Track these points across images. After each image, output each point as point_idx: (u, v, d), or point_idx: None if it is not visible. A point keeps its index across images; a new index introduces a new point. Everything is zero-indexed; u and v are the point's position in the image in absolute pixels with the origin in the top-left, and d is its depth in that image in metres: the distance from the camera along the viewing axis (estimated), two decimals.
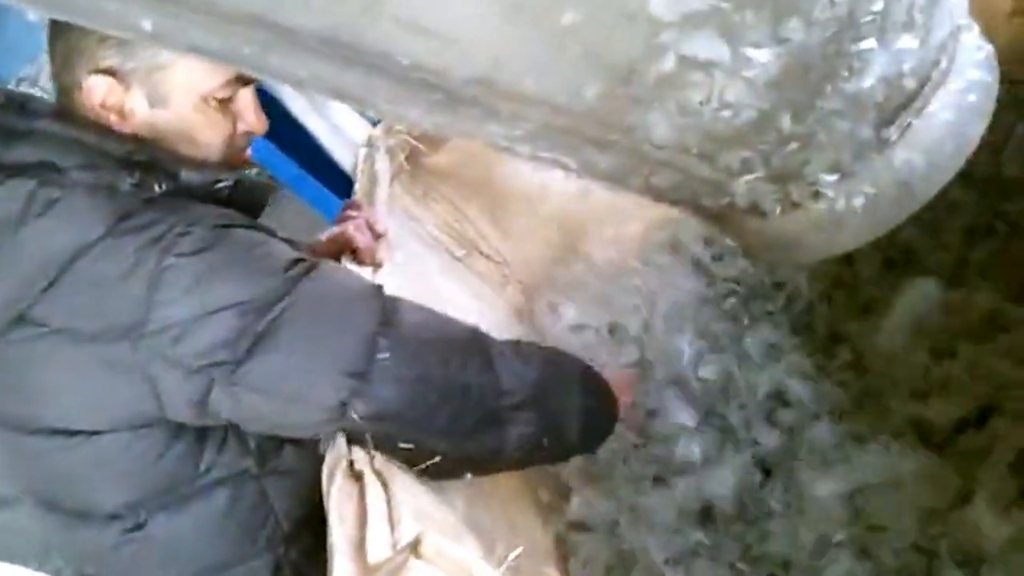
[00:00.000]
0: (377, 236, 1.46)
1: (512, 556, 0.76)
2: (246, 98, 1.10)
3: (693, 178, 0.86)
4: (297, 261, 1.03)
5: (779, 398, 1.44)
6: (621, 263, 1.76)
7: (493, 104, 0.73)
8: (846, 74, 0.78)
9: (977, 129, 0.89)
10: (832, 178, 0.87)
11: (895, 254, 1.46)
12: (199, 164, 1.10)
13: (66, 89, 1.06)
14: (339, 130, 1.78)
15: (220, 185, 1.09)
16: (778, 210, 0.91)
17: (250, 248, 1.03)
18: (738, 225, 0.97)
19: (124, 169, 1.01)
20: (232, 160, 1.14)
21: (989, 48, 0.93)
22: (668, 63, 0.70)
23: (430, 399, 1.02)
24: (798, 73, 0.75)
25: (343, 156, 1.79)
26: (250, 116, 1.11)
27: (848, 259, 1.44)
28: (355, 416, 0.98)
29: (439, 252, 1.73)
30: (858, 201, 0.88)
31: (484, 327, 1.23)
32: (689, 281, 1.60)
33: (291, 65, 0.71)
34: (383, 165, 1.59)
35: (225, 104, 1.09)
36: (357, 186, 1.60)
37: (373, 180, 1.59)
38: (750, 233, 0.97)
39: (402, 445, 0.99)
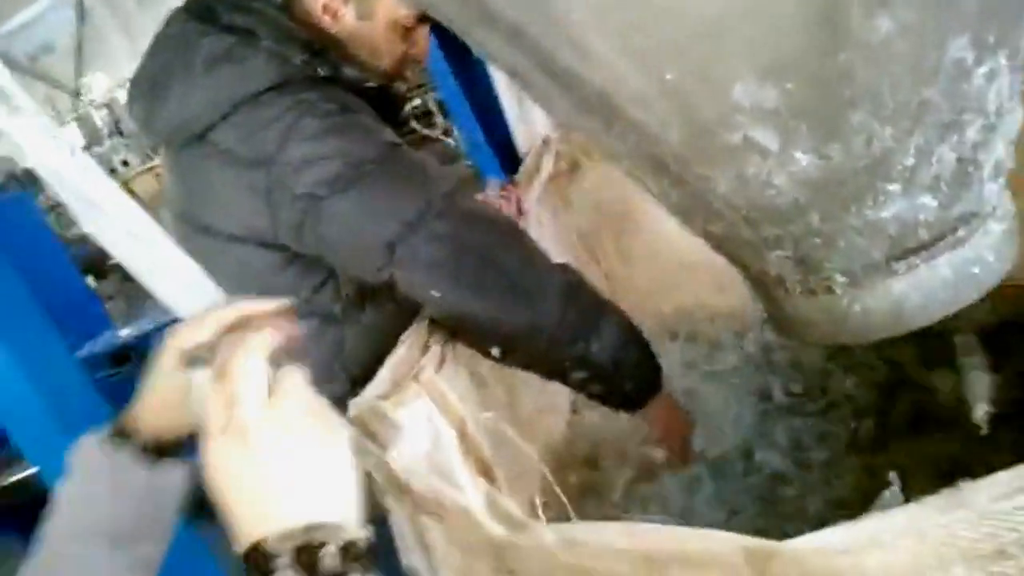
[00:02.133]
0: (521, 213, 1.77)
1: (487, 415, 1.03)
2: (423, 32, 1.48)
3: (738, 236, 1.11)
4: (398, 144, 1.36)
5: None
6: (727, 316, 1.98)
7: (608, 118, 1.01)
8: (870, 203, 1.02)
9: (970, 296, 1.10)
10: (842, 280, 1.10)
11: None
12: (363, 68, 1.47)
13: None
14: (528, 116, 2.09)
15: (368, 84, 1.46)
16: (798, 290, 1.15)
17: (367, 125, 1.38)
18: (768, 294, 1.21)
19: (301, 50, 1.39)
20: (393, 73, 1.52)
21: (1015, 247, 1.14)
22: (736, 137, 0.96)
23: (465, 260, 1.30)
24: (832, 185, 1.00)
25: (522, 138, 2.10)
26: (421, 45, 1.50)
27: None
28: (398, 259, 1.29)
29: (565, 254, 2.01)
30: (857, 307, 1.11)
31: None
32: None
33: (486, 40, 1.01)
34: (548, 163, 1.89)
35: (407, 31, 1.46)
36: (523, 169, 1.91)
37: (535, 172, 1.89)
38: (774, 304, 1.21)
39: (433, 293, 1.28)
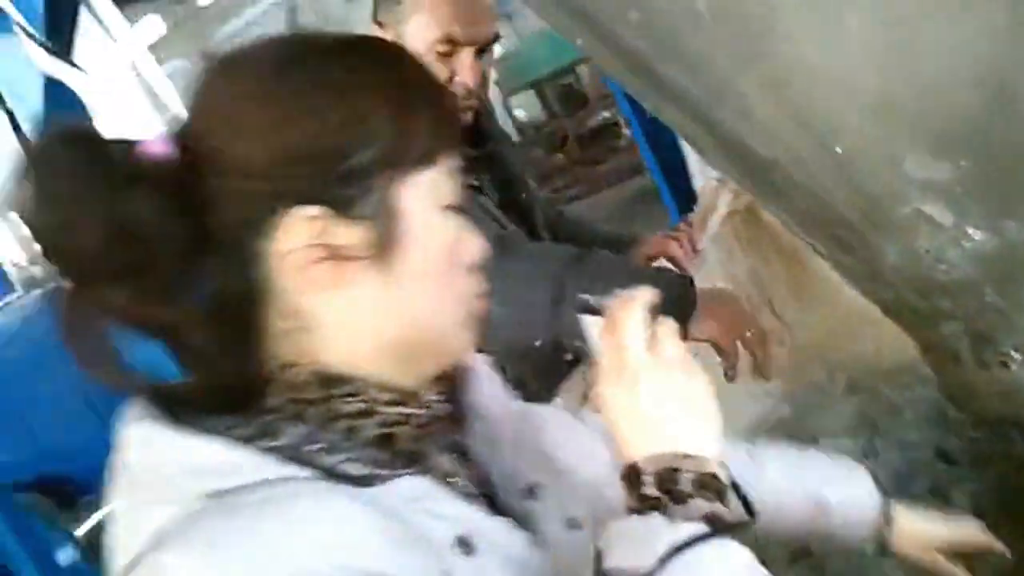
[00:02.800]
0: (696, 251, 1.77)
1: None
2: (464, 57, 1.48)
3: (909, 305, 1.09)
4: None
5: None
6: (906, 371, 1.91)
7: (775, 184, 1.01)
8: None
9: None
10: (1018, 356, 1.06)
11: None
12: None
13: None
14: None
15: None
16: (971, 363, 1.11)
17: None
18: (940, 363, 1.18)
19: None
20: None
21: None
22: (907, 210, 0.95)
23: None
24: (1007, 261, 0.96)
25: (698, 177, 2.10)
26: (464, 73, 1.49)
27: None
28: None
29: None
30: None
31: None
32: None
33: (611, 65, 1.03)
34: (724, 201, 1.88)
35: (444, 57, 1.47)
36: (697, 208, 1.91)
37: (711, 210, 1.88)
38: (946, 373, 1.18)
39: None
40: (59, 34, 0.93)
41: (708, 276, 1.81)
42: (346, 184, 0.67)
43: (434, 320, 0.73)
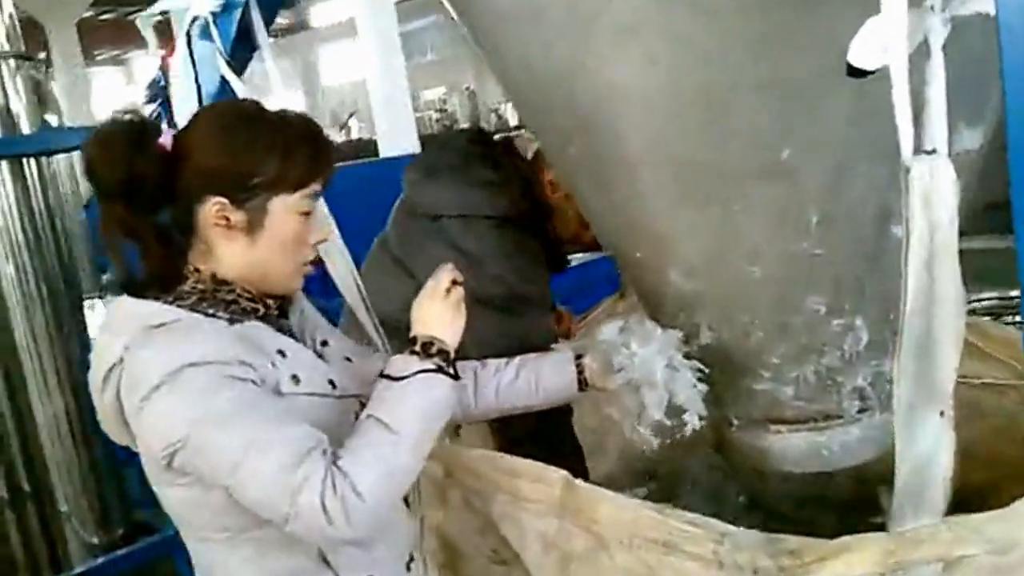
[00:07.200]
0: None
1: None
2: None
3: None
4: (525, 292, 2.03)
5: None
6: None
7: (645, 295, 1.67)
8: (749, 378, 1.59)
9: (815, 467, 1.62)
10: (736, 423, 1.67)
11: None
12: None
13: None
14: None
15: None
16: (714, 422, 1.73)
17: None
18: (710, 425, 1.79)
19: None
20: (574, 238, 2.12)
21: (870, 451, 1.64)
22: (670, 308, 1.59)
23: None
24: (723, 357, 1.59)
25: None
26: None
27: None
28: None
29: None
30: (741, 444, 1.68)
31: None
32: None
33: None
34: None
35: None
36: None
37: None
38: (713, 432, 1.79)
39: None
40: (237, 54, 1.66)
41: None
42: (243, 191, 1.26)
43: (271, 270, 1.31)
